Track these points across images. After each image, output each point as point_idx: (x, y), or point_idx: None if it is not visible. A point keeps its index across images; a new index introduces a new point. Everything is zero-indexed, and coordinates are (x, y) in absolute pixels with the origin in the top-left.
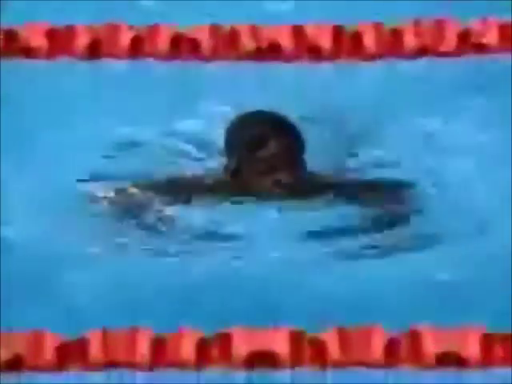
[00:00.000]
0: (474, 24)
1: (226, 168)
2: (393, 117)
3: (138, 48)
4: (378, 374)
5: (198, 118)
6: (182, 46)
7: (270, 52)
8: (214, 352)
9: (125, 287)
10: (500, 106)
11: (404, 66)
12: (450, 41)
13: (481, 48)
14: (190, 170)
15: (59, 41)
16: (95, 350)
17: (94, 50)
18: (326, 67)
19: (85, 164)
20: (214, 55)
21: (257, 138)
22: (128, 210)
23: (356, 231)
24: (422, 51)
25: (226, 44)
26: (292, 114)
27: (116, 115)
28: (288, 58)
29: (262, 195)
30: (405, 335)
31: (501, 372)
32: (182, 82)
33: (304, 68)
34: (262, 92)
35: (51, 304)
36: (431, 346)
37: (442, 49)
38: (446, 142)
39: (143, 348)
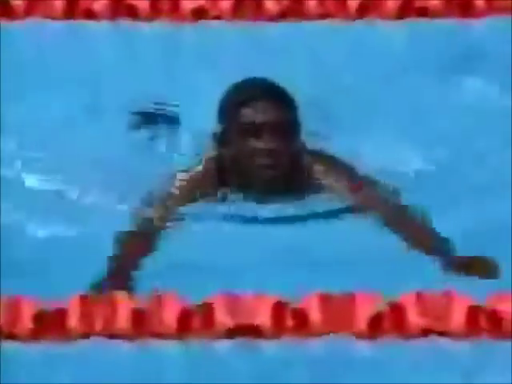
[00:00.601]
0: None
1: (214, 134)
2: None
3: None
4: (362, 343)
5: None
6: None
7: None
8: (196, 322)
9: None
10: None
11: None
12: None
13: None
14: None
15: None
16: (73, 319)
17: None
18: None
19: None
20: None
21: (243, 98)
22: None
23: None
24: None
25: None
26: None
27: None
28: None
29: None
30: (390, 306)
31: (485, 342)
32: None
33: None
34: None
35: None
36: (416, 317)
37: None
38: None
39: (123, 317)
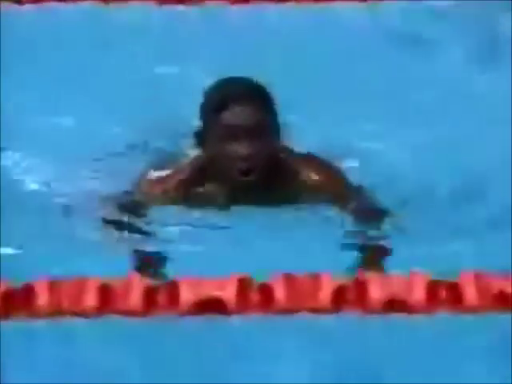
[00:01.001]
0: None
1: (194, 133)
2: None
3: None
4: (326, 319)
5: None
6: None
7: None
8: (162, 299)
9: None
10: None
11: None
12: None
13: None
14: None
15: None
16: (41, 298)
17: None
18: None
19: None
20: None
21: (222, 100)
22: None
23: None
24: None
25: None
26: None
27: None
28: None
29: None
30: (352, 282)
31: (445, 317)
32: None
33: None
34: None
35: None
36: (378, 293)
37: None
38: None
39: (90, 295)
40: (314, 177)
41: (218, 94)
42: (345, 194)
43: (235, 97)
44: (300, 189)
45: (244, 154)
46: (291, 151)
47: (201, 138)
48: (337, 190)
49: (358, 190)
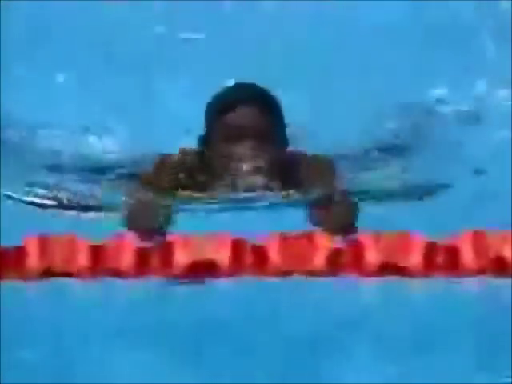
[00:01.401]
0: None
1: (199, 136)
2: None
3: None
4: (321, 282)
5: None
6: None
7: None
8: (154, 261)
9: None
10: None
11: None
12: None
13: None
14: None
15: None
16: (33, 259)
17: None
18: None
19: None
20: None
21: (226, 103)
22: None
23: None
24: None
25: None
26: None
27: None
28: None
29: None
30: (348, 244)
31: (441, 281)
32: None
33: None
34: None
35: None
36: (374, 256)
37: None
38: None
39: (82, 256)
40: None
41: (223, 97)
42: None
43: (240, 99)
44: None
45: (247, 154)
46: (299, 156)
47: (204, 140)
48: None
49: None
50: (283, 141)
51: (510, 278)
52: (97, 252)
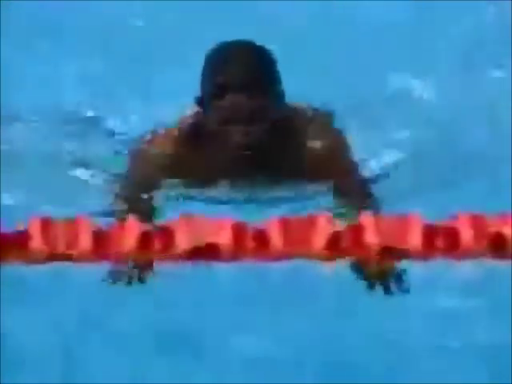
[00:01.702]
0: None
1: (195, 98)
2: None
3: None
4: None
5: None
6: None
7: None
8: (157, 245)
9: None
10: None
11: None
12: None
13: None
14: None
15: None
16: (36, 242)
17: None
18: None
19: None
20: None
21: (216, 61)
22: None
23: None
24: None
25: None
26: None
27: None
28: None
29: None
30: (348, 227)
31: (441, 263)
32: None
33: None
34: None
35: None
36: (374, 238)
37: None
38: None
39: (85, 240)
40: (318, 144)
41: (213, 55)
42: (342, 171)
43: (233, 55)
44: (302, 157)
45: (240, 141)
46: (295, 112)
47: (200, 101)
48: (336, 166)
49: (355, 167)
50: (280, 98)
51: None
52: (100, 235)
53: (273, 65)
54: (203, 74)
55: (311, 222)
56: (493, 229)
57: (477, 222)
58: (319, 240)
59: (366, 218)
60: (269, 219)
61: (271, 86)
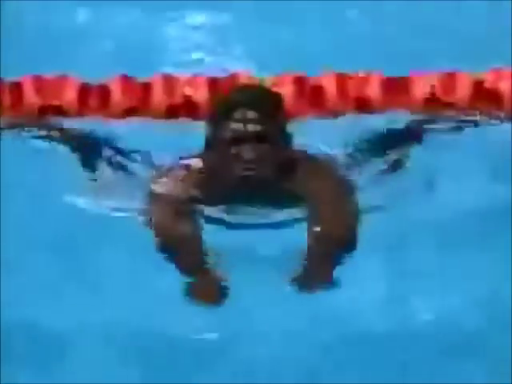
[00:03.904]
0: None
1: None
2: None
3: None
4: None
5: None
6: None
7: None
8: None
9: None
10: None
11: None
12: None
13: None
14: None
15: None
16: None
17: None
18: None
19: None
20: None
21: (227, 106)
22: None
23: None
24: None
25: None
26: None
27: None
28: None
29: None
30: None
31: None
32: None
33: None
34: None
35: None
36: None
37: None
38: None
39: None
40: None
41: (225, 100)
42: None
43: (242, 102)
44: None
45: (248, 157)
46: (303, 157)
47: (207, 144)
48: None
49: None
50: (287, 143)
51: None
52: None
53: (281, 104)
54: (212, 115)
55: None
56: None
57: None
58: None
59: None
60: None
61: (279, 122)
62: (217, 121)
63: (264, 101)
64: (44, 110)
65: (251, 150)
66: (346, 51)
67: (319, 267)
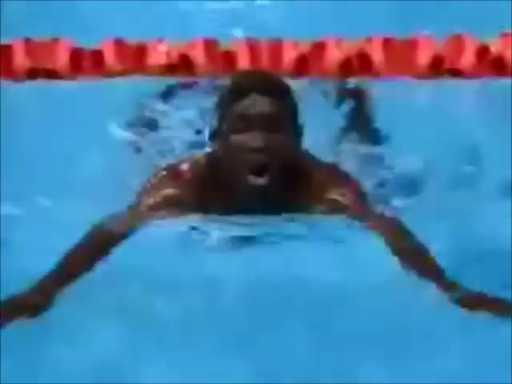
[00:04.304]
0: None
1: (209, 132)
2: None
3: None
4: None
5: None
6: None
7: None
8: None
9: None
10: None
11: None
12: None
13: None
14: None
15: None
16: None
17: None
18: None
19: None
20: None
21: (236, 90)
22: None
23: None
24: None
25: None
26: None
27: None
28: None
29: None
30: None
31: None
32: None
33: None
34: None
35: None
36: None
37: None
38: None
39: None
40: (337, 197)
41: (232, 85)
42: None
43: (251, 86)
44: (318, 203)
45: (256, 145)
46: (313, 158)
47: (213, 133)
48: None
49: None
50: (298, 137)
51: None
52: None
53: (294, 101)
54: (219, 101)
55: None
56: None
57: None
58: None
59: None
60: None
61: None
62: (224, 107)
63: (276, 87)
64: (35, 73)
65: (261, 138)
66: (348, 15)
67: None
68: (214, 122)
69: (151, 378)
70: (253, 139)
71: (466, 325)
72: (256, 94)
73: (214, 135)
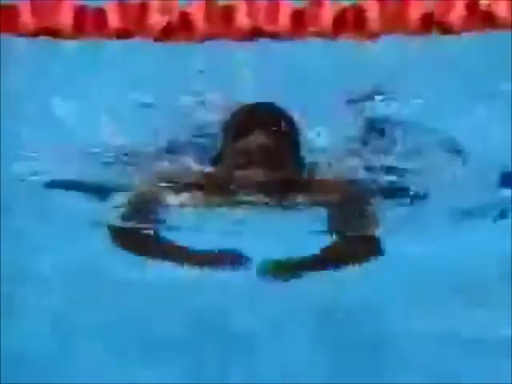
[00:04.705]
0: None
1: (212, 156)
2: None
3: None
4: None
5: None
6: None
7: None
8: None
9: None
10: None
11: None
12: None
13: None
14: None
15: None
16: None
17: None
18: None
19: None
20: None
21: (240, 126)
22: None
23: None
24: None
25: None
26: None
27: None
28: None
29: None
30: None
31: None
32: None
33: None
34: None
35: None
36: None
37: None
38: None
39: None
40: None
41: (237, 122)
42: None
43: (254, 124)
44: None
45: (258, 181)
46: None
47: (217, 161)
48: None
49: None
50: (300, 167)
51: None
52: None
53: (296, 134)
54: (224, 132)
55: None
56: None
57: None
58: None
59: None
60: None
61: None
62: (228, 141)
63: (279, 122)
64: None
65: (263, 174)
66: None
67: None
68: (219, 148)
69: None
70: (255, 175)
71: None
72: (259, 131)
73: (216, 161)
